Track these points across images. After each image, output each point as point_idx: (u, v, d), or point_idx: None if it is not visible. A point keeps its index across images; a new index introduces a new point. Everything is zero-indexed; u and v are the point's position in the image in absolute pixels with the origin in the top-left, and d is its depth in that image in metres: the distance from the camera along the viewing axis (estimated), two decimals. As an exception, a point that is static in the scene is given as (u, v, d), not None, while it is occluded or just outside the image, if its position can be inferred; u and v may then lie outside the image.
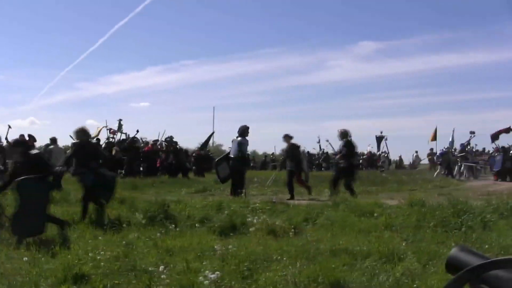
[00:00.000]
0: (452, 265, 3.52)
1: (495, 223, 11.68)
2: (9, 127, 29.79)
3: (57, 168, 14.07)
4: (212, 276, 7.14)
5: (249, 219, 12.20)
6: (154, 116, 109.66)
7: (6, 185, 12.47)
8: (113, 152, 33.55)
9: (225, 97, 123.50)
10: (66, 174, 14.57)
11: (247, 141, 19.29)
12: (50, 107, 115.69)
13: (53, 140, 26.22)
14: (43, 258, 8.64)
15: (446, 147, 38.06)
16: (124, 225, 11.76)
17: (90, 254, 8.56)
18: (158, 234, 10.81)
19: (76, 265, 7.87)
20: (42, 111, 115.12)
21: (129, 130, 38.49)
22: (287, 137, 20.61)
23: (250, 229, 11.31)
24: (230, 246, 9.21)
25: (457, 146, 41.80)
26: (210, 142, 44.57)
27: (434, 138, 49.94)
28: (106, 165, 15.79)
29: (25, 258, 8.63)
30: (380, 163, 54.81)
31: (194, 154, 40.80)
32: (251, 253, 8.69)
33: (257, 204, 14.87)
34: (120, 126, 38.69)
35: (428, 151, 52.83)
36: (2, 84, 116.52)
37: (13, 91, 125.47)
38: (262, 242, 9.81)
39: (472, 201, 14.86)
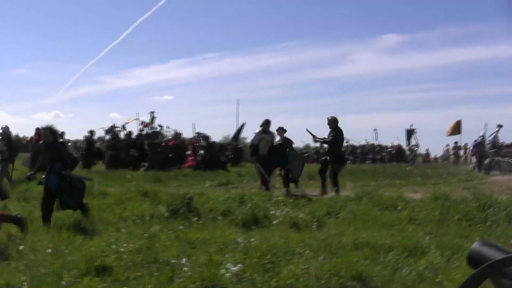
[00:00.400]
0: (474, 259, 3.50)
1: (521, 217, 11.57)
2: None
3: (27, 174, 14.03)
4: (234, 268, 7.14)
5: (272, 212, 12.21)
6: (177, 110, 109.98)
7: None
8: (145, 146, 33.84)
9: (247, 90, 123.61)
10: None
11: (259, 134, 19.28)
12: (73, 100, 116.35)
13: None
14: (66, 250, 8.68)
15: (480, 137, 37.66)
16: (147, 218, 11.79)
17: (113, 247, 8.60)
18: (181, 226, 10.83)
19: (99, 257, 7.91)
20: (65, 104, 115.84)
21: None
22: (281, 130, 19.85)
23: (273, 222, 11.31)
24: (252, 239, 9.22)
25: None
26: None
27: (457, 131, 49.73)
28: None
29: (49, 250, 8.68)
30: (411, 157, 54.71)
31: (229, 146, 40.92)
32: (273, 246, 8.67)
33: (280, 197, 14.87)
34: (152, 118, 38.70)
35: (453, 145, 52.70)
36: (26, 78, 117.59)
37: (37, 84, 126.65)
38: (285, 235, 9.80)
39: (497, 195, 14.74)
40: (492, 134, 38.76)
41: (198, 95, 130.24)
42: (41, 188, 12.15)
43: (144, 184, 18.01)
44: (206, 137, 36.27)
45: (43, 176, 12.10)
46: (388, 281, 6.91)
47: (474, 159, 36.03)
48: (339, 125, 18.98)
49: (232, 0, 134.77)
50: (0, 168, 20.14)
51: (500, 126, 39.52)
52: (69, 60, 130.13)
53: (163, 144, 34.92)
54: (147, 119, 38.34)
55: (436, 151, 62.49)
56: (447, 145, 55.10)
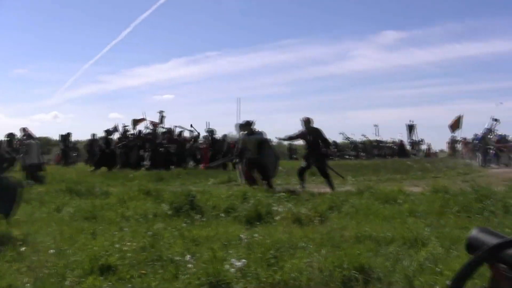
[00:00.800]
0: (472, 246, 3.56)
1: (516, 208, 11.69)
2: None
3: None
4: (238, 264, 7.18)
5: (275, 208, 12.27)
6: (178, 108, 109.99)
7: None
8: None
9: (249, 88, 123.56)
10: None
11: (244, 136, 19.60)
12: (73, 100, 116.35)
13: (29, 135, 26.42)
14: (69, 250, 8.71)
15: (483, 131, 37.68)
16: (150, 217, 11.83)
17: (116, 245, 8.61)
18: (184, 224, 10.87)
19: (103, 257, 7.92)
20: (65, 105, 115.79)
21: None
22: (248, 125, 19.64)
23: (276, 218, 11.37)
24: (255, 235, 9.27)
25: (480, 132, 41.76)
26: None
27: (457, 126, 49.97)
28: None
29: (51, 251, 8.70)
30: (415, 151, 54.99)
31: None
32: (276, 241, 8.73)
33: (282, 193, 14.93)
34: (162, 118, 39.03)
35: (449, 139, 52.99)
36: (25, 79, 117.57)
37: (36, 85, 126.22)
38: (288, 230, 9.87)
39: (495, 187, 14.86)
40: (490, 127, 38.88)
41: (199, 94, 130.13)
42: None
43: (147, 183, 18.08)
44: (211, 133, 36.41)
45: None
46: (390, 272, 6.97)
47: (479, 154, 35.80)
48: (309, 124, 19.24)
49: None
50: None
51: (496, 120, 39.64)
52: (69, 59, 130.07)
53: (165, 142, 34.90)
54: (148, 118, 38.40)
55: (438, 146, 62.76)
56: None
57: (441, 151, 62.07)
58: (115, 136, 37.38)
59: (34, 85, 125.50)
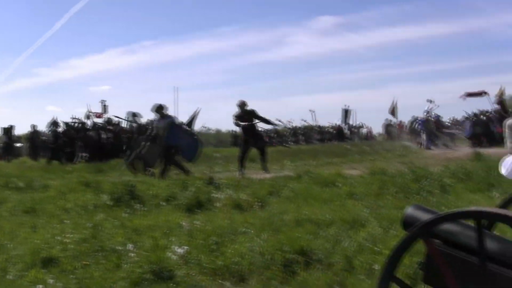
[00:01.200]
0: (408, 223, 3.75)
1: (453, 187, 12.05)
2: None
3: None
4: (180, 251, 7.26)
5: (214, 195, 12.34)
6: (115, 99, 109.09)
7: None
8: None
9: (186, 77, 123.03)
10: None
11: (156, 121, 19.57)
12: (9, 94, 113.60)
13: None
14: (10, 245, 8.66)
15: (425, 114, 38.16)
16: (90, 208, 11.81)
17: (57, 238, 8.60)
18: (125, 214, 10.89)
19: (44, 249, 7.93)
20: (0, 99, 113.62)
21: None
22: (160, 108, 19.43)
23: (216, 205, 11.45)
24: (196, 222, 9.36)
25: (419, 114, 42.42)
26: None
27: (393, 110, 50.85)
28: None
29: (-9, 246, 8.66)
30: (352, 136, 55.75)
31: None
32: (217, 227, 8.83)
33: (222, 180, 15.03)
34: (104, 107, 38.29)
35: (384, 122, 53.89)
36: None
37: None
38: (228, 216, 9.94)
39: (432, 167, 15.21)
40: (429, 110, 39.47)
41: (137, 84, 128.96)
42: None
43: (86, 175, 18.00)
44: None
45: None
46: (330, 253, 7.10)
47: (423, 136, 36.08)
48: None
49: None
50: None
51: (431, 102, 40.28)
52: (2, 53, 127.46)
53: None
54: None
55: (377, 129, 63.56)
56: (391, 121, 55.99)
57: (379, 134, 62.90)
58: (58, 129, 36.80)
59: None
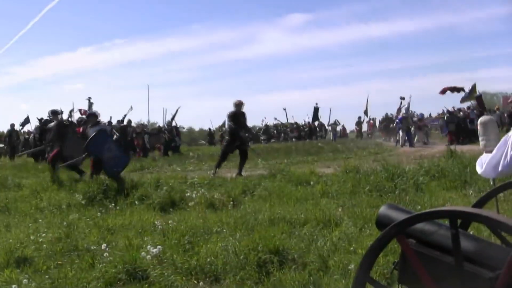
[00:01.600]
0: (382, 222, 3.78)
1: (427, 185, 12.17)
2: None
3: None
4: (154, 250, 7.23)
5: (188, 194, 12.33)
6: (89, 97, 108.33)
7: None
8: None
9: (158, 74, 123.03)
10: None
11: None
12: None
13: None
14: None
15: (404, 112, 38.27)
16: (64, 207, 11.75)
17: (31, 237, 8.58)
18: (99, 213, 10.87)
19: (18, 249, 7.90)
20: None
21: (64, 113, 37.80)
22: (91, 116, 18.43)
23: (189, 204, 11.44)
24: (170, 221, 9.34)
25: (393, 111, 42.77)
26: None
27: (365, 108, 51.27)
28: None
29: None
30: (322, 133, 56.05)
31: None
32: (191, 226, 8.85)
33: (196, 179, 15.02)
34: (90, 104, 37.52)
35: (356, 120, 54.23)
36: None
37: None
38: (202, 216, 9.97)
39: (406, 165, 15.30)
40: (403, 107, 39.71)
41: (110, 82, 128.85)
42: None
43: (59, 174, 17.87)
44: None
45: None
46: (305, 252, 7.13)
47: (400, 134, 35.98)
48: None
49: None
50: None
51: (403, 98, 40.54)
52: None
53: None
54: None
55: (350, 127, 63.89)
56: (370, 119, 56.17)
57: (351, 132, 63.26)
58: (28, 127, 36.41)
59: None
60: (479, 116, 29.17)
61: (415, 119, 37.85)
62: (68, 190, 14.04)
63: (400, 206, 4.02)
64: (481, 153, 5.41)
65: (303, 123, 59.98)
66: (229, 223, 9.12)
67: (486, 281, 2.98)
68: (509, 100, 44.29)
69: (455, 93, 35.78)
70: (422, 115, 39.20)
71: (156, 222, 9.43)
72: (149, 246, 7.48)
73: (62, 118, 20.10)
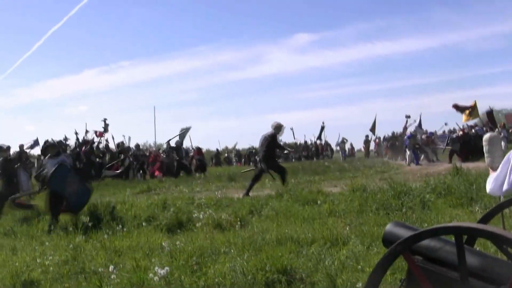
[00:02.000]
0: (388, 240, 3.78)
1: (433, 203, 12.13)
2: None
3: None
4: (162, 272, 7.22)
5: (195, 215, 12.30)
6: (92, 119, 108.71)
7: None
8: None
9: (164, 96, 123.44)
10: None
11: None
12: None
13: None
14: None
15: (413, 130, 38.20)
16: (71, 229, 11.74)
17: (38, 260, 8.59)
18: (106, 235, 10.84)
19: (25, 272, 7.90)
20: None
21: (68, 135, 37.75)
22: (49, 148, 15.18)
23: (197, 225, 11.41)
24: (177, 242, 9.32)
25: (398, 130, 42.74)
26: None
27: (373, 126, 51.19)
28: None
29: (-29, 269, 8.58)
30: (328, 152, 56.01)
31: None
32: (198, 247, 8.83)
33: (203, 200, 15.01)
34: (106, 126, 37.03)
35: (364, 138, 54.24)
36: None
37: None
38: (209, 236, 9.96)
39: (412, 183, 15.28)
40: (409, 125, 39.65)
41: (114, 103, 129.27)
42: None
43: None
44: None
45: None
46: (312, 272, 7.11)
47: (408, 153, 35.71)
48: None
49: (143, 6, 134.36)
50: None
51: (408, 117, 40.51)
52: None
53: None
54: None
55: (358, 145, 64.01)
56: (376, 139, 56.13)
57: (359, 150, 63.26)
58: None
59: None
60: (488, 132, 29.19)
61: (423, 136, 37.71)
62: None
63: (406, 224, 4.02)
64: (486, 169, 5.44)
65: (310, 142, 60.00)
66: (236, 243, 9.09)
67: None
68: None
69: (459, 112, 35.68)
70: (431, 133, 39.06)
71: (163, 243, 9.40)
72: (156, 268, 7.46)
73: (8, 153, 19.18)
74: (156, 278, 7.12)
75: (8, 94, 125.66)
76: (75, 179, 14.36)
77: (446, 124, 43.28)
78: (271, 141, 19.21)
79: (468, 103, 35.21)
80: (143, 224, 12.07)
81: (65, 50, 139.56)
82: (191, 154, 40.24)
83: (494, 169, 5.43)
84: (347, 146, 60.09)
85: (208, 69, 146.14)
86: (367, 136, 54.75)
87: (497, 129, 33.51)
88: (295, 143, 59.79)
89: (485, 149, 8.15)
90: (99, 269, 7.96)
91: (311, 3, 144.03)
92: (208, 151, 62.66)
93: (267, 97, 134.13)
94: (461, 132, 35.93)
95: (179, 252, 8.55)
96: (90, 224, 12.03)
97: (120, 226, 11.84)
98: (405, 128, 40.29)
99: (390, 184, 14.45)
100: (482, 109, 36.27)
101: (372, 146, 55.76)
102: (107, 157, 34.95)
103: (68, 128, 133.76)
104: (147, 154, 38.55)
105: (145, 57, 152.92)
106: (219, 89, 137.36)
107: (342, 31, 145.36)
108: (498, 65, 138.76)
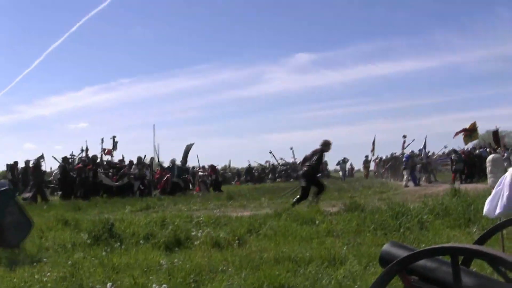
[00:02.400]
0: (385, 260, 3.81)
1: (431, 223, 12.18)
2: None
3: None
4: (159, 289, 7.24)
5: (193, 233, 12.30)
6: (92, 137, 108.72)
7: None
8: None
9: (164, 114, 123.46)
10: None
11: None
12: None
13: None
14: (-13, 284, 8.61)
15: (411, 150, 38.34)
16: (69, 246, 11.74)
17: (36, 276, 8.57)
18: (104, 252, 10.82)
19: (23, 288, 7.91)
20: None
21: (68, 152, 37.75)
22: None
23: (195, 243, 11.42)
24: (175, 260, 9.33)
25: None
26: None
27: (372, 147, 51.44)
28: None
29: (-32, 285, 8.59)
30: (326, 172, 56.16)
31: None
32: (196, 265, 8.84)
33: (201, 218, 15.02)
34: (115, 143, 37.03)
35: (364, 159, 54.37)
36: None
37: None
38: (207, 255, 9.95)
39: (410, 203, 15.33)
40: (407, 146, 39.75)
41: (114, 121, 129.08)
42: None
43: (64, 213, 17.89)
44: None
45: None
46: (309, 291, 7.14)
47: (405, 173, 35.67)
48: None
49: (144, 24, 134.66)
50: None
51: (404, 137, 40.67)
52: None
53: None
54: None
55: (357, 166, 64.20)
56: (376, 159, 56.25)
57: (357, 171, 63.39)
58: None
59: None
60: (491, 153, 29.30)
61: (421, 157, 37.79)
62: (73, 229, 14.04)
63: (403, 244, 4.05)
64: (484, 191, 5.49)
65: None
66: (234, 261, 9.11)
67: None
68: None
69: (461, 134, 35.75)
70: (426, 156, 39.14)
71: (161, 261, 9.42)
72: (154, 285, 7.48)
73: None
74: (153, 295, 7.14)
75: (8, 111, 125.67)
76: (17, 209, 12.87)
77: (445, 146, 43.41)
78: (319, 157, 20.05)
79: (467, 124, 35.33)
80: (142, 241, 12.06)
81: (66, 66, 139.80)
82: (200, 171, 40.34)
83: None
84: (348, 166, 60.29)
85: (209, 88, 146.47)
86: (366, 157, 55.01)
87: (498, 150, 33.70)
88: (294, 163, 59.92)
89: (488, 169, 8.25)
90: (97, 286, 7.97)
91: (312, 23, 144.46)
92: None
93: (267, 116, 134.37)
94: (463, 155, 36.05)
95: (177, 270, 8.56)
96: (88, 241, 12.04)
97: (119, 243, 11.82)
98: (403, 148, 40.50)
99: (388, 205, 14.50)
100: (481, 130, 36.42)
101: (372, 166, 55.89)
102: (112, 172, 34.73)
103: (68, 145, 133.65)
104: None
105: (146, 75, 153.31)
106: (220, 108, 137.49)
107: (342, 51, 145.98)
108: (497, 87, 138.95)
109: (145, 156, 36.46)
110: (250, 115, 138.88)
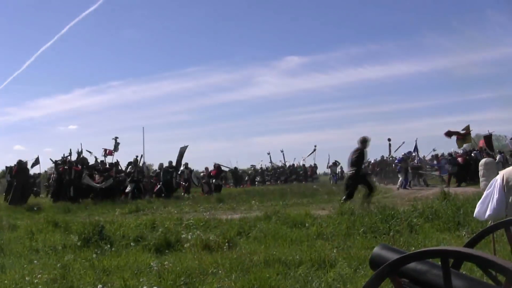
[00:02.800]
0: (375, 262, 3.84)
1: (421, 227, 12.21)
2: None
3: None
4: (150, 291, 7.26)
5: (184, 235, 12.33)
6: (82, 139, 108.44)
7: None
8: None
9: (153, 116, 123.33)
10: None
11: None
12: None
13: None
14: (-22, 286, 8.61)
15: (403, 153, 38.41)
16: (59, 248, 11.73)
17: (27, 278, 8.57)
18: (94, 255, 10.82)
19: (14, 290, 7.91)
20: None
21: (57, 154, 37.61)
22: None
23: (185, 245, 11.43)
24: (166, 263, 9.35)
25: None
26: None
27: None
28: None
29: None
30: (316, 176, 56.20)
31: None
32: (187, 268, 8.86)
33: (191, 221, 15.03)
34: (116, 144, 36.59)
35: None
36: None
37: None
38: (198, 257, 9.98)
39: (400, 207, 15.37)
40: (397, 149, 39.84)
41: (104, 123, 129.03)
42: None
43: (54, 215, 17.86)
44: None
45: None
46: (299, 293, 7.16)
47: (399, 176, 35.69)
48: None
49: (134, 27, 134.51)
50: None
51: (389, 140, 40.82)
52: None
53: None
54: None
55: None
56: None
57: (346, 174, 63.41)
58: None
59: None
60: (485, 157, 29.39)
61: (414, 161, 37.89)
62: (64, 231, 14.03)
63: (393, 247, 4.08)
64: (474, 194, 5.53)
65: (296, 165, 60.23)
66: (224, 264, 9.13)
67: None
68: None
69: (453, 137, 35.80)
70: (419, 160, 39.23)
71: (151, 263, 9.43)
72: (144, 287, 7.49)
73: None
74: (144, 297, 7.15)
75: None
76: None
77: (434, 150, 43.47)
78: (359, 155, 19.62)
79: (458, 128, 35.42)
80: (132, 244, 12.06)
81: (56, 69, 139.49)
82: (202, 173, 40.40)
83: None
84: (338, 169, 60.31)
85: (199, 91, 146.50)
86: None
87: (492, 153, 33.84)
88: (284, 166, 60.00)
89: (480, 173, 8.29)
90: (88, 288, 7.99)
91: (302, 26, 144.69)
92: (196, 172, 62.52)
93: (256, 119, 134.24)
94: (460, 158, 36.12)
95: (167, 272, 8.58)
96: (79, 243, 12.03)
97: (109, 245, 11.83)
98: (390, 152, 40.66)
99: (378, 208, 14.55)
100: (472, 134, 36.55)
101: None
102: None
103: (58, 147, 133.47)
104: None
105: (135, 78, 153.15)
106: (210, 111, 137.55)
107: (333, 54, 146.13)
108: (488, 90, 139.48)
109: (139, 157, 36.41)
110: (240, 118, 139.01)
